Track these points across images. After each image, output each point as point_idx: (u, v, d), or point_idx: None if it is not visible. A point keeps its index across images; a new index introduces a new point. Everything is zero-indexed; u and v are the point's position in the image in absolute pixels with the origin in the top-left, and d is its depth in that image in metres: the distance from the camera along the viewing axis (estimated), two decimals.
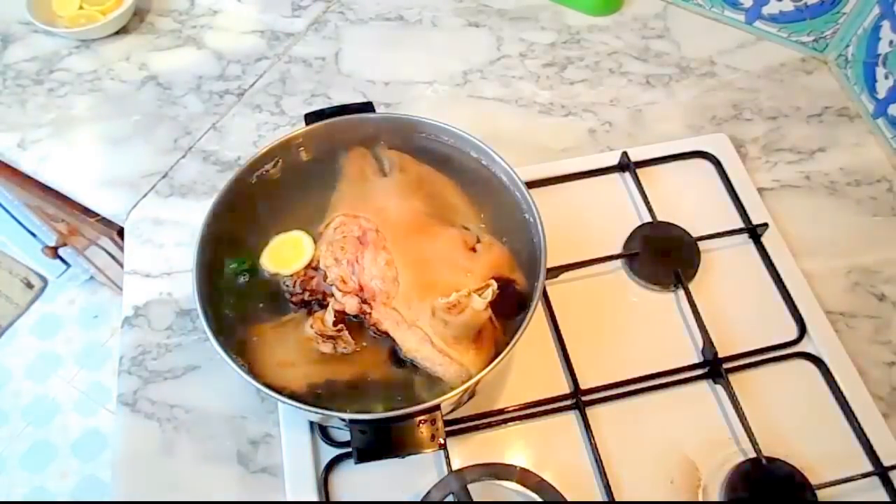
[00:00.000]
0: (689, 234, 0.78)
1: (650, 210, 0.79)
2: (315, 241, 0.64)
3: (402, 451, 0.54)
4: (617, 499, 0.64)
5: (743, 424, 0.66)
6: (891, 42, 0.83)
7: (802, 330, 0.73)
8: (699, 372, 0.71)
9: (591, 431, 0.67)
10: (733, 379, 0.69)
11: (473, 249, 0.62)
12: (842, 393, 0.69)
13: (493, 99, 0.93)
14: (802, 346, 0.72)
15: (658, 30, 1.00)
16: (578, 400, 0.69)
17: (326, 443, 0.67)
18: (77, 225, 1.16)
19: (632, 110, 0.91)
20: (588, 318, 0.74)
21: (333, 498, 0.65)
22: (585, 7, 1.01)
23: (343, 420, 0.54)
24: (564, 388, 0.70)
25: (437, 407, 0.54)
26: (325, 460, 0.66)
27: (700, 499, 0.65)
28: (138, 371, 0.73)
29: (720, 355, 0.70)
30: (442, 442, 0.53)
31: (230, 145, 0.90)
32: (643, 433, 0.68)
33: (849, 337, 0.73)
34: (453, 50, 0.98)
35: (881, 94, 0.86)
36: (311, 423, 0.68)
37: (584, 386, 0.69)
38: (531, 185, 0.77)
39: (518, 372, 0.71)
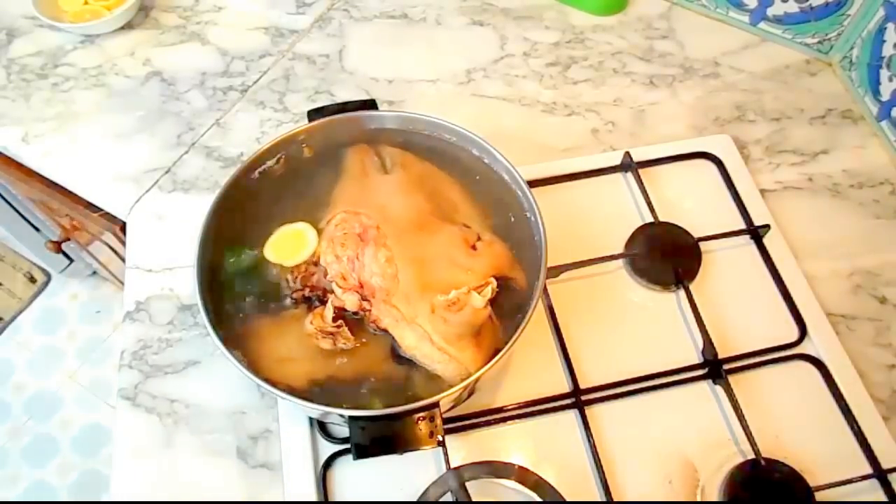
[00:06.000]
0: (690, 234, 0.78)
1: (652, 210, 0.79)
2: (319, 234, 0.64)
3: (400, 448, 0.54)
4: (615, 498, 0.64)
5: (742, 425, 0.66)
6: (895, 44, 0.83)
7: (803, 332, 0.73)
8: (699, 372, 0.71)
9: (591, 431, 0.67)
10: (733, 380, 0.69)
11: (474, 247, 0.62)
12: (842, 395, 0.69)
13: (496, 98, 0.93)
14: (803, 348, 0.72)
15: (662, 30, 1.00)
16: (578, 399, 0.69)
17: (325, 439, 0.67)
18: (80, 220, 1.16)
19: (635, 110, 0.91)
20: (588, 317, 0.74)
21: (332, 494, 0.65)
22: (590, 7, 1.01)
23: (342, 416, 0.54)
24: (564, 387, 0.70)
25: (436, 404, 0.54)
26: (324, 456, 0.66)
27: (698, 499, 0.65)
28: (139, 365, 0.73)
29: (720, 356, 0.70)
30: (440, 439, 0.54)
31: (233, 141, 0.90)
32: (642, 433, 0.68)
33: (849, 339, 0.73)
34: (457, 48, 0.98)
35: (885, 96, 0.86)
36: (311, 419, 0.68)
37: (583, 385, 0.69)
38: (533, 184, 0.76)
39: (518, 370, 0.71)
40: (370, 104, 0.70)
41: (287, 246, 0.64)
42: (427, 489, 0.60)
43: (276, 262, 0.63)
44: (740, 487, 0.63)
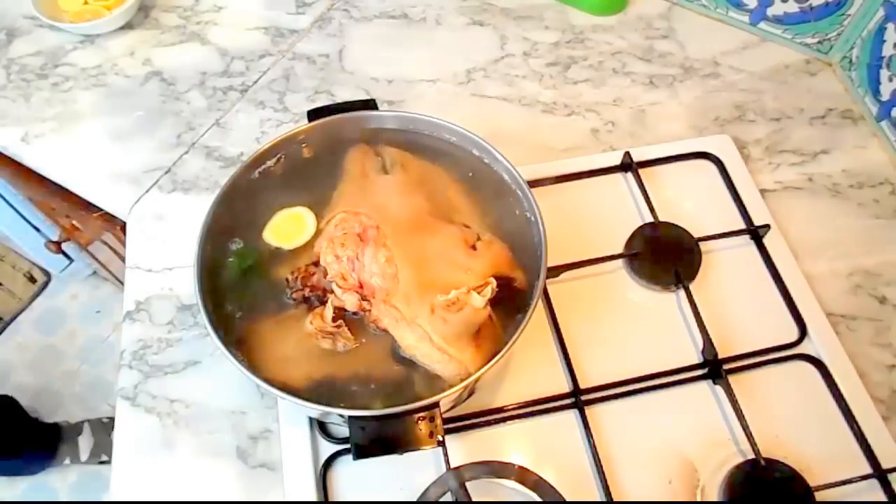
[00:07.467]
0: (690, 234, 0.78)
1: (652, 210, 0.79)
2: (318, 218, 0.64)
3: (400, 448, 0.54)
4: (615, 498, 0.64)
5: (742, 425, 0.66)
6: (895, 44, 0.83)
7: (803, 331, 0.73)
8: (699, 372, 0.71)
9: (591, 431, 0.67)
10: (733, 380, 0.69)
11: (474, 247, 0.62)
12: (842, 395, 0.69)
13: (496, 98, 0.93)
14: (803, 348, 0.72)
15: (662, 30, 1.00)
16: (578, 399, 0.69)
17: (325, 439, 0.67)
18: (80, 220, 1.16)
19: (635, 110, 0.91)
20: (588, 317, 0.74)
21: (332, 494, 0.65)
22: (590, 7, 1.01)
23: (342, 416, 0.54)
24: (564, 387, 0.70)
25: (436, 404, 0.54)
26: (323, 456, 0.66)
27: (698, 499, 0.65)
28: (139, 365, 0.73)
29: (720, 356, 0.70)
30: (440, 439, 0.53)
31: (233, 141, 0.90)
32: (642, 433, 0.68)
33: (849, 339, 0.73)
34: (457, 48, 0.98)
35: (885, 96, 0.86)
36: (311, 419, 0.68)
37: (583, 385, 0.69)
38: (533, 184, 0.77)
39: (518, 370, 0.71)
40: (370, 104, 0.70)
41: (286, 229, 0.64)
42: (427, 489, 0.60)
43: (275, 246, 0.63)
44: (740, 487, 0.63)
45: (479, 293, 0.56)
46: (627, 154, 0.83)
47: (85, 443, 1.58)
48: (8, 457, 1.50)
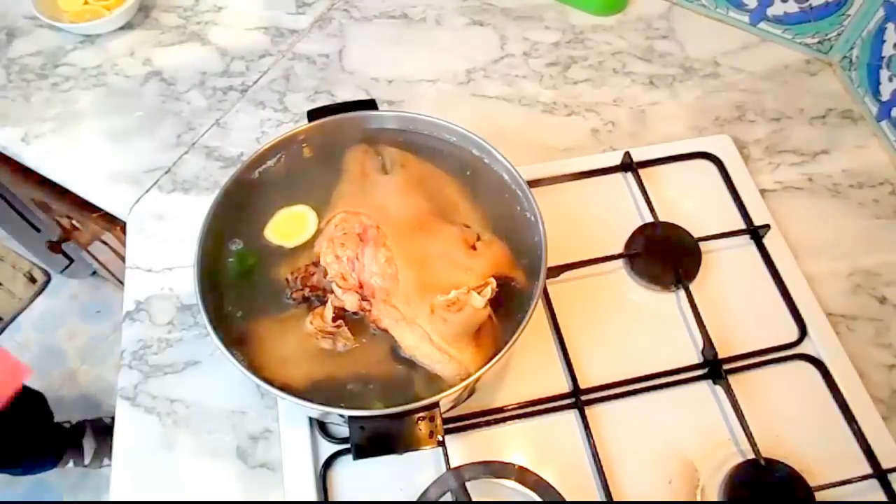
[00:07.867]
0: (690, 234, 0.78)
1: (652, 210, 0.79)
2: (319, 216, 0.65)
3: (400, 448, 0.54)
4: (615, 498, 0.64)
5: (742, 425, 0.66)
6: (895, 44, 0.83)
7: (803, 331, 0.73)
8: (699, 372, 0.71)
9: (591, 431, 0.67)
10: (733, 380, 0.69)
11: (473, 247, 0.62)
12: (842, 395, 0.69)
13: (496, 98, 0.93)
14: (803, 348, 0.72)
15: (662, 30, 1.00)
16: (578, 399, 0.69)
17: (325, 439, 0.67)
18: (80, 220, 1.16)
19: (635, 110, 0.91)
20: (588, 317, 0.74)
21: (332, 494, 0.65)
22: (590, 7, 1.01)
23: (342, 416, 0.54)
24: (564, 387, 0.70)
25: (436, 404, 0.54)
26: (323, 456, 0.66)
27: (698, 499, 0.65)
28: (139, 365, 0.73)
29: (720, 356, 0.70)
30: (440, 439, 0.53)
31: (233, 141, 0.90)
32: (642, 433, 0.68)
33: (849, 339, 0.73)
34: (457, 48, 0.98)
35: (885, 96, 0.86)
36: (311, 419, 0.68)
37: (583, 385, 0.69)
38: (533, 184, 0.77)
39: (518, 370, 0.71)
40: (370, 104, 0.70)
41: (288, 228, 0.64)
42: (427, 489, 0.60)
43: (276, 244, 0.64)
44: (740, 487, 0.63)
45: (479, 293, 0.56)
46: (627, 154, 0.83)
47: (87, 446, 1.58)
48: (21, 457, 1.49)
